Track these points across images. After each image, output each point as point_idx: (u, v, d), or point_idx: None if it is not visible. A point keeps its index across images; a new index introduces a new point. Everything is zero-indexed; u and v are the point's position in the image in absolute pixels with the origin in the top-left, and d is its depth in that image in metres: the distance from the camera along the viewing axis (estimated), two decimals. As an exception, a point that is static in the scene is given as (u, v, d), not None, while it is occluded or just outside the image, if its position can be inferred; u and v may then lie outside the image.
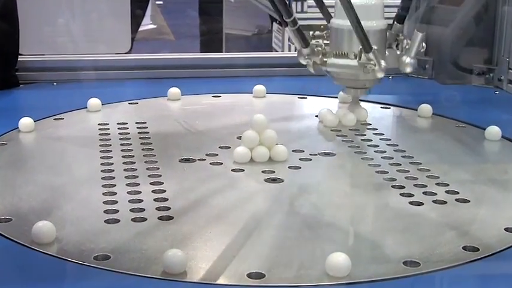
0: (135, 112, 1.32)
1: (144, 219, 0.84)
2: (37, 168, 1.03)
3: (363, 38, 1.13)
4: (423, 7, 1.59)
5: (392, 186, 0.96)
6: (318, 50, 1.19)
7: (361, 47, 1.14)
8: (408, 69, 1.19)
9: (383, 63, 1.14)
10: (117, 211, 0.86)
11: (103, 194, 0.91)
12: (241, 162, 1.03)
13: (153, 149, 1.09)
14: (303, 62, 1.22)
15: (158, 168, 1.00)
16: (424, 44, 1.19)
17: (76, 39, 1.60)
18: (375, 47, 1.14)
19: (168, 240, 0.79)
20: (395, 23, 1.25)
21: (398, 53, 1.22)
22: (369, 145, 1.13)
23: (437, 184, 0.96)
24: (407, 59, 1.18)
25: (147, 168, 1.00)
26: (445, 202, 0.91)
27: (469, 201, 0.91)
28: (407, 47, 1.20)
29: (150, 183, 0.95)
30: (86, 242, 0.78)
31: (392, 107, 1.37)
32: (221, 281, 0.72)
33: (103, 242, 0.78)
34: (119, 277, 0.72)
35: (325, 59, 1.19)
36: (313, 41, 1.21)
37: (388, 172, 1.00)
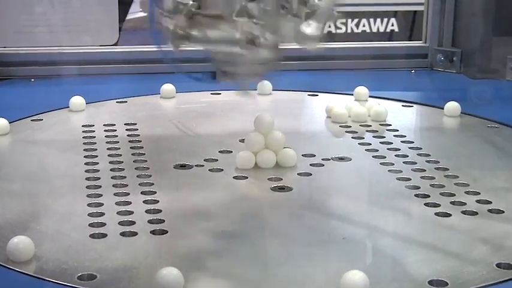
0: (123, 112, 1.32)
1: (134, 234, 0.84)
2: (13, 176, 1.03)
3: None
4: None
5: (415, 195, 0.95)
6: (181, 7, 0.87)
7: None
8: (308, 44, 0.85)
9: (268, 35, 0.83)
10: (104, 224, 0.86)
11: (88, 205, 0.91)
12: (244, 168, 1.03)
13: (144, 154, 1.09)
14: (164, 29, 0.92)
15: (150, 176, 1.00)
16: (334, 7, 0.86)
17: (56, 29, 1.60)
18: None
19: (162, 257, 0.79)
20: None
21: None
22: (388, 148, 1.13)
23: (467, 193, 0.96)
24: (308, 28, 0.85)
25: (137, 176, 1.00)
26: (476, 213, 0.90)
27: (503, 211, 0.91)
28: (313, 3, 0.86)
29: (141, 193, 0.95)
30: (69, 260, 0.78)
31: (415, 105, 1.37)
32: (222, 303, 0.72)
33: (88, 260, 0.78)
34: (106, 299, 0.72)
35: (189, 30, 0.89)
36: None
37: (410, 179, 1.00)
